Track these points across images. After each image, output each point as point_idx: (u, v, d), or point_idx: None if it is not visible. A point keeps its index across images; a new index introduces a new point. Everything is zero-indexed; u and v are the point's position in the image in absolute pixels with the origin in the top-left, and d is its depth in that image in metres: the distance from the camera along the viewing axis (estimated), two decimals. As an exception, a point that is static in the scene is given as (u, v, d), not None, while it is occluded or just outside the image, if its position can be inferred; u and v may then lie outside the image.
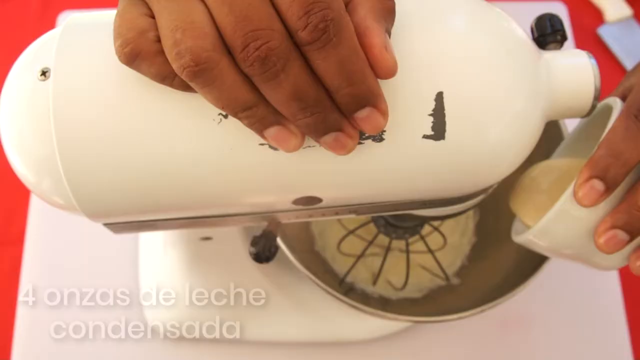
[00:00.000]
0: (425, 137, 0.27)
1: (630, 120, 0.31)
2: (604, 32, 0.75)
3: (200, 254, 0.50)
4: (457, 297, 0.56)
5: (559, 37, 0.31)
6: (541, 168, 0.39)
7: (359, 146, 0.26)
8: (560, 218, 0.33)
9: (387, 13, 0.25)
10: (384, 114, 0.25)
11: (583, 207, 0.32)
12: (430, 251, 0.53)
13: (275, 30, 0.22)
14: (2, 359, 0.60)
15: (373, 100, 0.24)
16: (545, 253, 0.36)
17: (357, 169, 0.28)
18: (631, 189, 0.31)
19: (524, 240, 0.35)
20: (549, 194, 0.38)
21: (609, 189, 0.31)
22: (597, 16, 0.76)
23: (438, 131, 0.27)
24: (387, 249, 0.51)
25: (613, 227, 0.31)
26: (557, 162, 0.39)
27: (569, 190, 0.32)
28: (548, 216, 0.33)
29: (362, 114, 0.24)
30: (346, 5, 0.24)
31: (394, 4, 0.25)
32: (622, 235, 0.31)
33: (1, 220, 0.65)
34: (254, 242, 0.34)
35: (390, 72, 0.24)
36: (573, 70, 0.30)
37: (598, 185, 0.31)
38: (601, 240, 0.32)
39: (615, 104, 0.33)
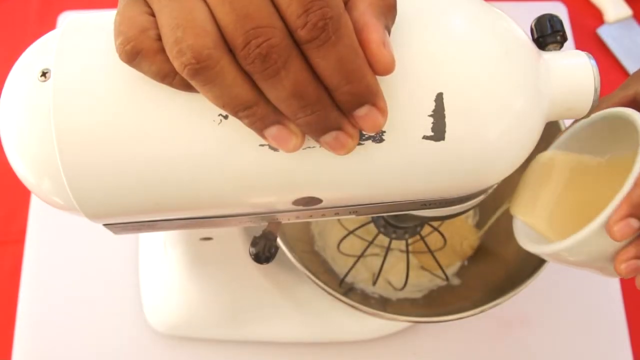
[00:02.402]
0: (425, 137, 0.27)
1: None
2: (603, 32, 0.75)
3: (200, 254, 0.50)
4: (457, 297, 0.56)
5: (558, 38, 0.31)
6: (539, 163, 0.39)
7: (358, 147, 0.26)
8: (587, 242, 0.33)
9: (388, 10, 0.25)
10: (383, 112, 0.25)
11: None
12: (430, 251, 0.53)
13: (276, 28, 0.22)
14: (3, 359, 0.60)
15: (372, 98, 0.24)
16: (554, 262, 0.36)
17: (357, 170, 0.28)
18: None
19: (539, 251, 0.35)
20: (547, 191, 0.38)
21: None
22: (597, 16, 0.76)
23: (438, 132, 0.27)
24: (387, 249, 0.51)
25: (636, 257, 0.33)
26: (554, 157, 0.39)
27: (601, 220, 0.32)
28: (575, 238, 0.33)
29: (361, 112, 0.24)
30: (346, 2, 0.24)
31: (394, 0, 0.25)
32: None
33: (1, 220, 0.65)
34: (254, 242, 0.34)
35: (388, 69, 0.24)
36: (573, 71, 0.30)
37: (635, 223, 0.32)
38: (622, 266, 0.33)
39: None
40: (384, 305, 0.56)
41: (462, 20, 0.28)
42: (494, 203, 0.46)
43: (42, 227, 0.64)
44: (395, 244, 0.57)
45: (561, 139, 0.40)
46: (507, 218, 0.48)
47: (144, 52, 0.24)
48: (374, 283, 0.57)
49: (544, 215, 0.38)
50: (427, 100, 0.26)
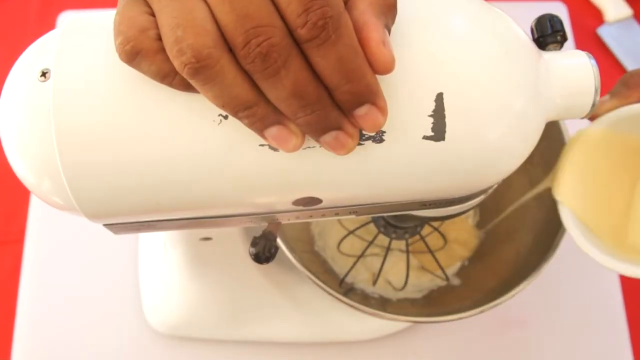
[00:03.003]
0: (425, 138, 0.27)
1: None
2: (603, 32, 0.75)
3: (200, 254, 0.50)
4: (457, 297, 0.56)
5: (559, 38, 0.31)
6: (580, 139, 0.37)
7: (358, 147, 0.26)
8: None
9: (388, 9, 0.25)
10: (383, 111, 0.25)
11: None
12: (430, 251, 0.53)
13: (276, 27, 0.22)
14: (2, 359, 0.60)
15: (372, 98, 0.24)
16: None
17: (357, 170, 0.28)
18: None
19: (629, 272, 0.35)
20: (586, 170, 0.36)
21: None
22: (597, 16, 0.76)
23: (438, 132, 0.27)
24: (387, 249, 0.51)
25: None
26: (598, 133, 0.36)
27: None
28: None
29: (361, 111, 0.24)
30: (346, 1, 0.24)
31: (394, 0, 0.25)
32: None
33: (1, 220, 0.65)
34: (254, 242, 0.34)
35: (388, 68, 0.24)
36: (573, 70, 0.30)
37: None
38: None
39: None
40: (384, 305, 0.56)
41: (462, 20, 0.28)
42: (495, 203, 0.46)
43: (42, 227, 0.64)
44: (395, 244, 0.57)
45: (608, 116, 0.37)
46: (508, 218, 0.48)
47: (144, 51, 0.24)
48: (374, 283, 0.57)
49: (581, 197, 0.36)
50: (427, 100, 0.26)
